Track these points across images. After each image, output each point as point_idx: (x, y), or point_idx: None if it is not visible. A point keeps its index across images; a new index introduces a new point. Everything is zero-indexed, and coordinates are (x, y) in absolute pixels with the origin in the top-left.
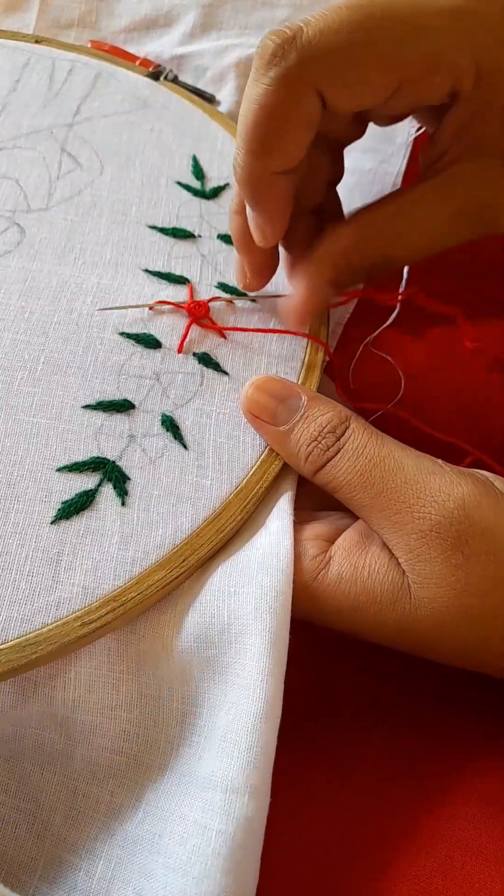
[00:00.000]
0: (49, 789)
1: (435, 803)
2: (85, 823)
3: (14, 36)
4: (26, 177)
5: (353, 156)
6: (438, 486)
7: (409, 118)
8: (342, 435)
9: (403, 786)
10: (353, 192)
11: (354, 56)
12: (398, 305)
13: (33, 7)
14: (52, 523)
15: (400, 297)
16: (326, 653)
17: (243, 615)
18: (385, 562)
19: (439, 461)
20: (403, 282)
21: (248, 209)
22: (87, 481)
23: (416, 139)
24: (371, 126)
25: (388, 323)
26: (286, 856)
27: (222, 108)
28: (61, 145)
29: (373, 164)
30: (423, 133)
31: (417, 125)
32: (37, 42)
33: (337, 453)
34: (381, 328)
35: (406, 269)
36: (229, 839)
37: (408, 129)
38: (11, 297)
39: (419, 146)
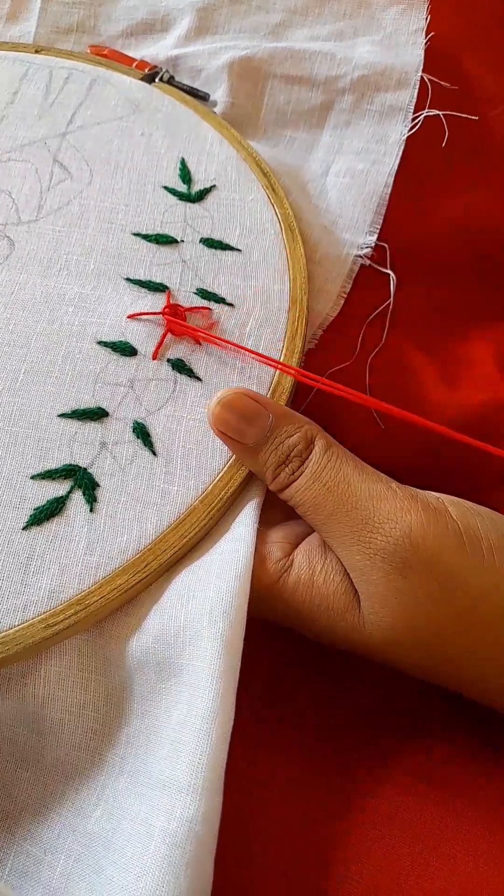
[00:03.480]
0: (22, 786)
1: (438, 804)
2: (51, 819)
3: (15, 47)
4: (19, 189)
5: (346, 157)
6: (387, 512)
7: (403, 117)
8: (306, 459)
9: (406, 786)
10: (346, 193)
11: None
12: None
13: (33, 14)
14: (23, 529)
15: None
16: (326, 654)
17: (198, 618)
18: (340, 570)
19: (394, 485)
20: (392, 286)
21: None
22: (59, 488)
23: (408, 138)
24: (363, 127)
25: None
26: (281, 856)
27: (217, 109)
28: (54, 156)
29: (365, 164)
30: (416, 131)
31: (410, 124)
32: (37, 52)
33: (300, 476)
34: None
35: (392, 277)
36: (170, 837)
37: (400, 129)
38: None
39: (412, 145)
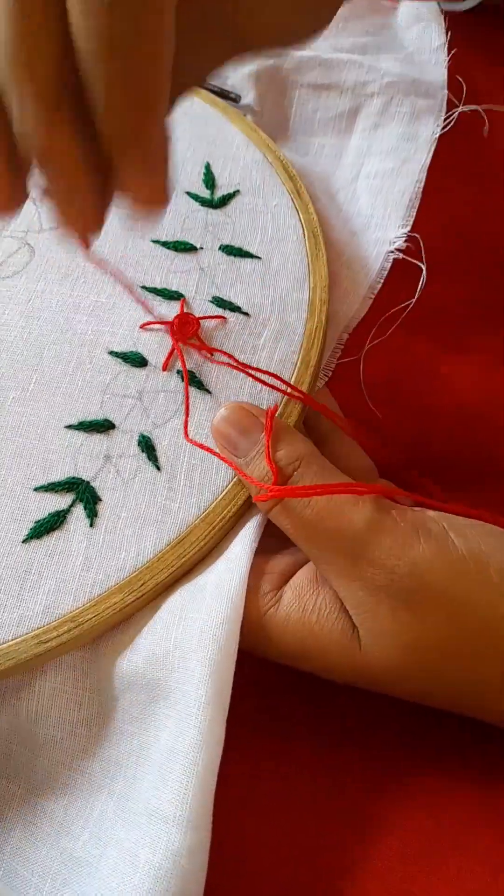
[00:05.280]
0: (13, 801)
1: (429, 804)
2: (39, 838)
3: None
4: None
5: (376, 158)
6: (389, 547)
7: (434, 118)
8: (288, 478)
9: (397, 786)
10: (376, 195)
11: None
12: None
13: None
14: (23, 542)
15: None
16: None
17: (188, 640)
18: (335, 608)
19: (395, 512)
20: (421, 282)
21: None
22: (61, 501)
23: (440, 136)
24: (392, 128)
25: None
26: (275, 862)
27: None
28: None
29: (395, 163)
30: (448, 130)
31: (441, 123)
32: None
33: (283, 499)
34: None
35: (424, 272)
36: (154, 870)
37: (431, 128)
38: (13, 318)
39: (442, 143)
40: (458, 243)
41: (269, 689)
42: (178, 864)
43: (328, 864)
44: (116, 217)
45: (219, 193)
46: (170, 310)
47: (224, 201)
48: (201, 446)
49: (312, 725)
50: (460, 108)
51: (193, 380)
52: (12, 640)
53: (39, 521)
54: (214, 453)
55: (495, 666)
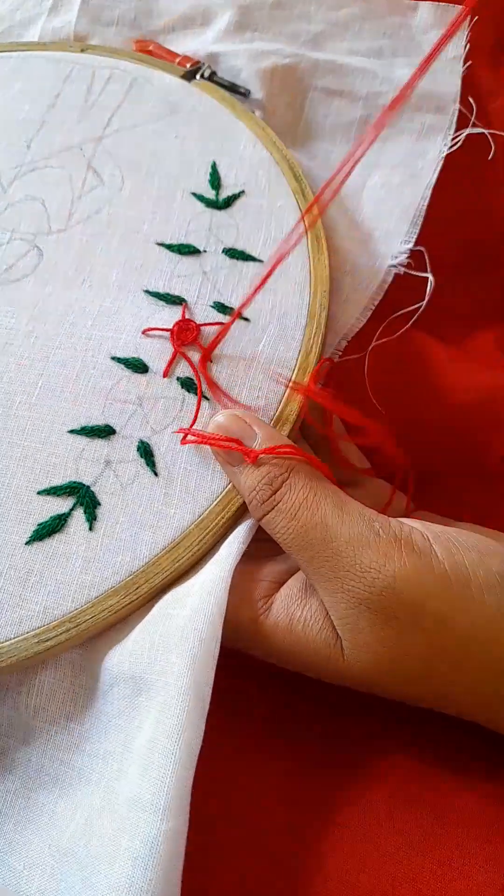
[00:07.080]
0: (8, 796)
1: (433, 807)
2: (31, 832)
3: (62, 47)
4: (52, 197)
5: (382, 171)
6: (369, 561)
7: (443, 136)
8: (277, 489)
9: (401, 789)
10: (381, 205)
11: None
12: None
13: (74, 6)
14: (26, 544)
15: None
16: None
17: (171, 635)
18: (320, 618)
19: (377, 524)
20: (428, 291)
21: None
22: (62, 505)
23: (448, 155)
24: (401, 142)
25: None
26: (276, 857)
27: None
28: (88, 161)
29: (402, 178)
30: (456, 149)
31: (449, 142)
32: (82, 51)
33: (272, 509)
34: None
35: (430, 282)
36: (134, 857)
37: (439, 148)
38: (21, 323)
39: (450, 160)
40: (460, 244)
41: (264, 675)
42: (156, 850)
43: (325, 852)
44: (124, 219)
45: (224, 194)
46: (172, 314)
47: (229, 202)
48: (198, 436)
49: (308, 713)
50: (468, 130)
51: (192, 386)
52: (14, 638)
53: (42, 523)
54: (210, 443)
55: (473, 678)
